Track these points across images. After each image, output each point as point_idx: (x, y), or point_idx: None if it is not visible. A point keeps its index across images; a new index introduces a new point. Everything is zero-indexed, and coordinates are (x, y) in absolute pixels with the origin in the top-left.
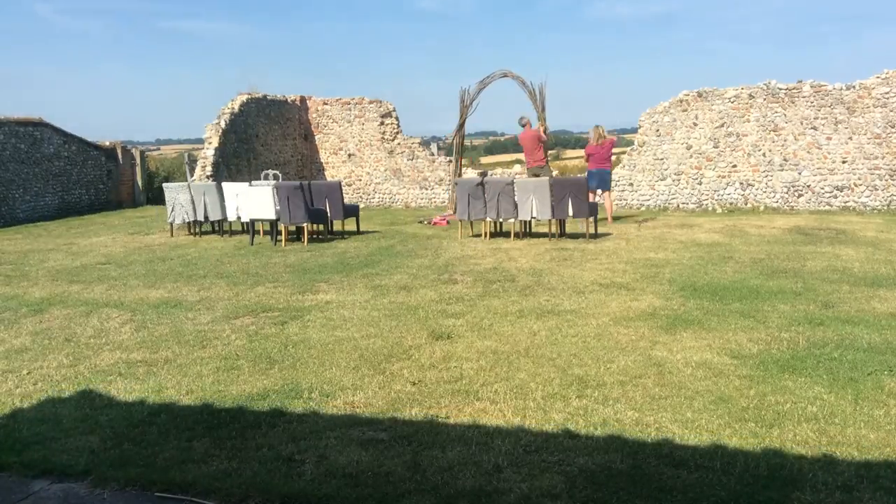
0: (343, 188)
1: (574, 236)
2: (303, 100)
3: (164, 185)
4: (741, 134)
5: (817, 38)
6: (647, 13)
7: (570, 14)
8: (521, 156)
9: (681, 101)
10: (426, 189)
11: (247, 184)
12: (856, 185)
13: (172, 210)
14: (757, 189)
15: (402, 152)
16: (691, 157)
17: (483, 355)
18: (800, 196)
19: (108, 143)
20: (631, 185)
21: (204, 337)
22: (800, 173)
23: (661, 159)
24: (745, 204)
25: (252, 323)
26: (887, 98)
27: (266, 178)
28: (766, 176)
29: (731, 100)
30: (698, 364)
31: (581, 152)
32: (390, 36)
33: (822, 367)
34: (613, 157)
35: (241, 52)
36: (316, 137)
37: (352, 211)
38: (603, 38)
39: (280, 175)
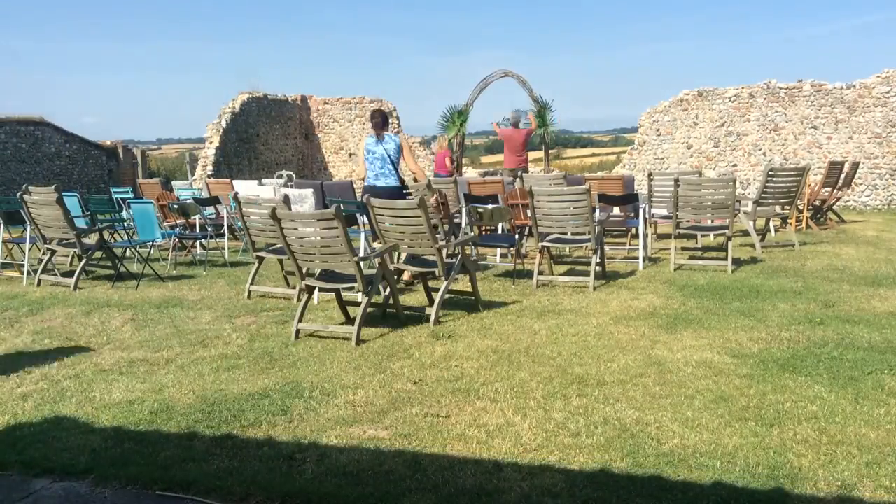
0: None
1: None
2: (303, 99)
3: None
4: (741, 133)
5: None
6: None
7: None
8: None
9: (681, 101)
10: None
11: (255, 182)
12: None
13: None
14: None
15: None
16: (692, 156)
17: (484, 354)
18: None
19: (108, 143)
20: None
21: (205, 336)
22: None
23: (662, 158)
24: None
25: (253, 322)
26: (888, 97)
27: (280, 177)
28: None
29: (732, 99)
30: (698, 363)
31: (582, 151)
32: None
33: (823, 367)
34: (613, 157)
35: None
36: (317, 137)
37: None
38: (602, 34)
39: (294, 175)
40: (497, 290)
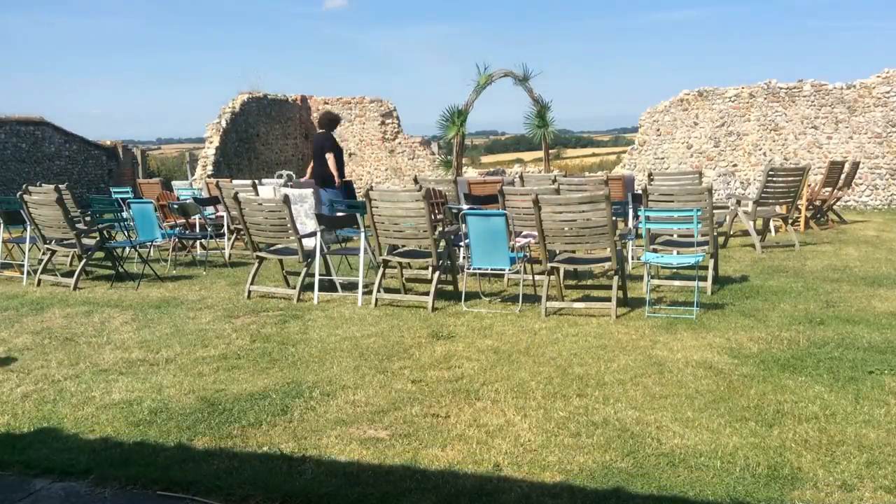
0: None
1: None
2: (304, 99)
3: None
4: (742, 133)
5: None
6: None
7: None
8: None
9: (681, 101)
10: None
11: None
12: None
13: None
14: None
15: (402, 151)
16: (692, 156)
17: (484, 354)
18: None
19: (108, 143)
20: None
21: (205, 336)
22: None
23: (662, 159)
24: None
25: (253, 322)
26: (888, 97)
27: (279, 177)
28: None
29: (732, 99)
30: (698, 363)
31: (582, 151)
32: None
33: (823, 367)
34: (613, 157)
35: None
36: None
37: None
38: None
39: (294, 175)
40: (497, 289)
